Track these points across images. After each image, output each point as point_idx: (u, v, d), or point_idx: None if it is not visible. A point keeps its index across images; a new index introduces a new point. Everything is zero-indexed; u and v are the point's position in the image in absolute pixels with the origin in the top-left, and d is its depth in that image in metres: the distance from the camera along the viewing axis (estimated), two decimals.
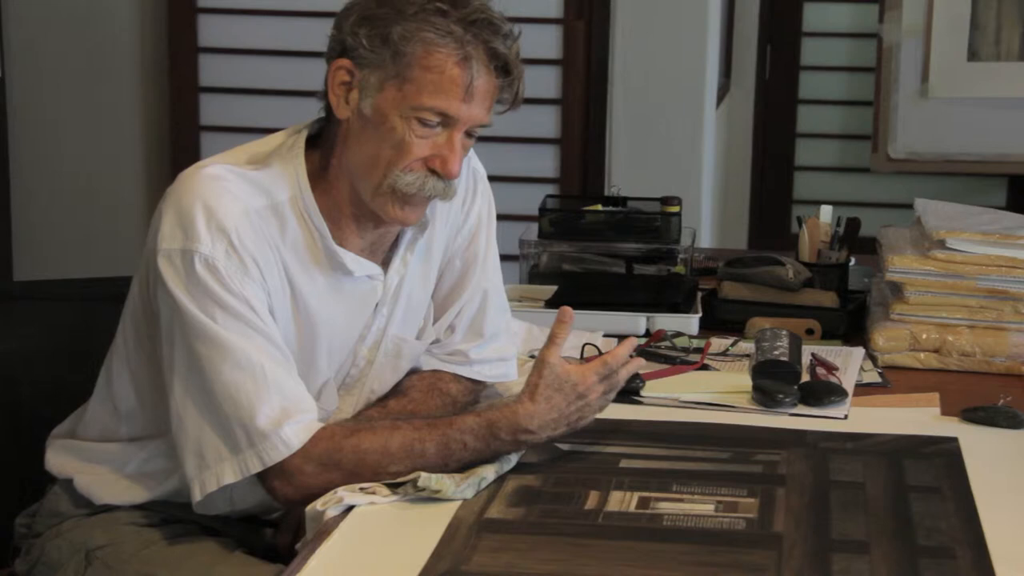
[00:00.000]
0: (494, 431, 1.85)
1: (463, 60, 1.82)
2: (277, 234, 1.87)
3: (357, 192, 1.90)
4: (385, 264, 1.98)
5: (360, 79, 1.85)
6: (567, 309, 1.92)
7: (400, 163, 1.85)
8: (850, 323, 2.63)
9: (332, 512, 1.77)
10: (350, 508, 1.78)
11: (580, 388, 1.88)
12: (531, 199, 3.32)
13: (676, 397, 2.22)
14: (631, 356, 1.95)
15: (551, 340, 1.90)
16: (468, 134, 1.89)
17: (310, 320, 1.91)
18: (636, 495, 1.82)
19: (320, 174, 1.91)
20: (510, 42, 1.86)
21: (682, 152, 4.25)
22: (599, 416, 1.94)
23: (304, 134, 1.93)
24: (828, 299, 2.66)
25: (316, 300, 1.91)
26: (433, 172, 1.86)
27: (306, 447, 1.81)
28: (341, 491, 1.79)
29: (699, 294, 2.73)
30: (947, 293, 2.48)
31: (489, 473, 1.84)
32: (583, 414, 1.90)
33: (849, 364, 2.39)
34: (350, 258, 1.92)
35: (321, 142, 1.93)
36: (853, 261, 2.80)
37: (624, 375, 1.93)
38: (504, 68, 1.86)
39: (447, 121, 1.85)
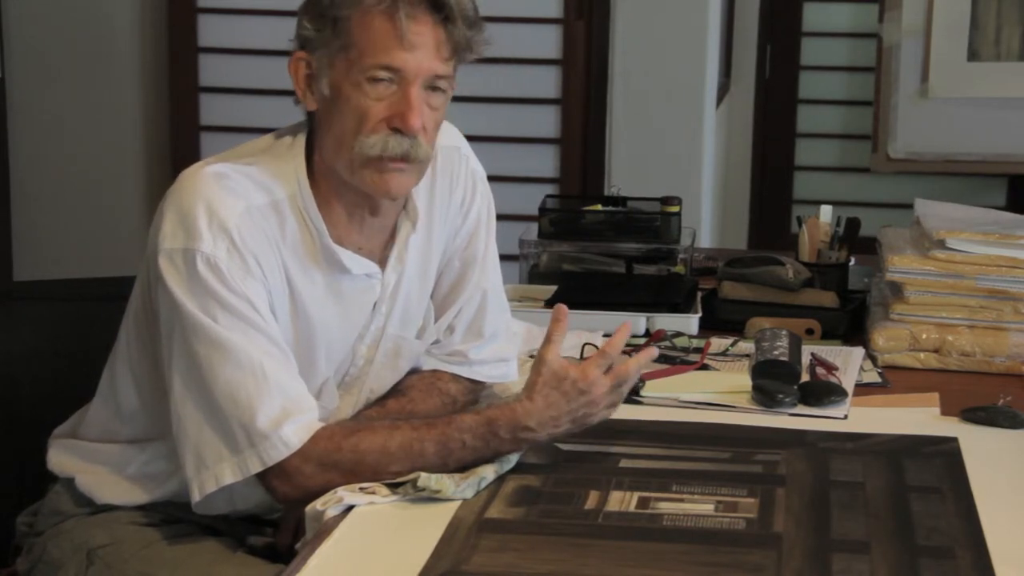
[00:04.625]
0: (493, 429, 1.84)
1: (390, 8, 1.83)
2: (277, 232, 1.87)
3: (341, 180, 1.90)
4: (382, 264, 1.98)
5: (316, 64, 1.87)
6: (562, 307, 1.92)
7: (362, 130, 1.85)
8: (850, 323, 2.63)
9: (332, 512, 1.77)
10: (350, 508, 1.78)
11: (581, 384, 1.86)
12: (531, 199, 3.32)
13: (676, 397, 2.22)
14: (639, 348, 1.93)
15: (548, 339, 1.89)
16: (433, 88, 1.87)
17: (308, 319, 1.91)
18: (636, 495, 1.82)
19: (311, 171, 1.92)
20: None
21: (682, 152, 4.25)
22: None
23: (303, 134, 1.94)
24: (828, 299, 2.66)
25: (314, 299, 1.91)
26: (396, 131, 1.85)
27: (306, 447, 1.81)
28: (341, 491, 1.79)
29: (699, 294, 2.73)
30: (947, 293, 2.48)
31: (489, 473, 1.84)
32: (589, 411, 1.88)
33: (849, 364, 2.39)
34: (347, 256, 1.92)
35: (310, 142, 1.94)
36: (853, 261, 2.80)
37: (635, 368, 1.90)
38: (435, 6, 1.85)
39: (397, 75, 1.84)
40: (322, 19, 1.85)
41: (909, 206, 2.81)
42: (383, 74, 1.84)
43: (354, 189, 1.90)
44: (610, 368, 1.89)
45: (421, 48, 1.84)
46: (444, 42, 1.86)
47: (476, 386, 2.12)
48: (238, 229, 1.82)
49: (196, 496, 1.83)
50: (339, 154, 1.87)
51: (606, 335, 2.53)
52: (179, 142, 4.25)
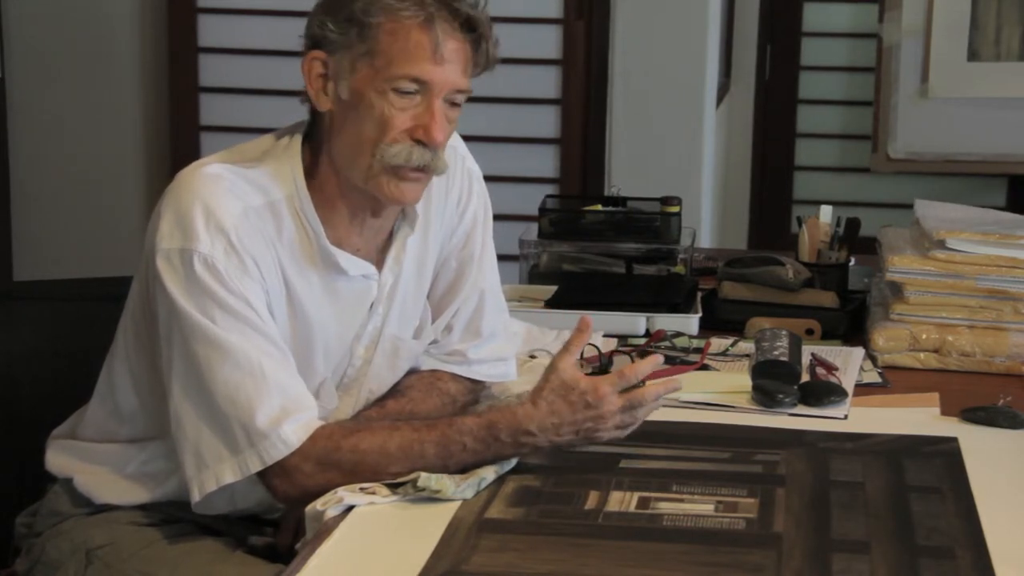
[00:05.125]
0: (494, 432, 1.84)
1: (426, 21, 1.83)
2: (274, 233, 1.87)
3: (350, 183, 1.90)
4: (379, 264, 1.98)
5: (334, 66, 1.86)
6: (587, 319, 1.91)
7: (384, 138, 1.85)
8: (850, 323, 2.63)
9: (332, 512, 1.77)
10: (350, 508, 1.78)
11: (590, 397, 1.84)
12: (531, 199, 3.32)
13: (676, 397, 2.21)
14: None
15: (565, 347, 1.88)
16: (451, 103, 1.88)
17: (305, 320, 1.91)
18: (636, 495, 1.82)
19: (312, 172, 1.92)
20: (476, 8, 1.87)
21: (682, 152, 4.25)
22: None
23: (300, 134, 1.94)
24: (828, 299, 2.66)
25: (311, 300, 1.91)
26: (418, 142, 1.86)
27: (305, 446, 1.81)
28: (341, 491, 1.79)
29: (699, 294, 2.73)
30: (947, 293, 2.48)
31: (489, 474, 1.84)
32: (596, 425, 1.85)
33: (849, 364, 2.39)
34: (344, 257, 1.92)
35: (311, 142, 1.94)
36: (853, 261, 2.80)
37: (652, 395, 1.87)
38: (469, 25, 1.86)
39: (423, 88, 1.85)
40: (348, 22, 1.84)
41: (909, 206, 2.81)
42: (410, 86, 1.84)
43: (358, 190, 1.90)
44: (628, 390, 1.87)
45: (451, 64, 1.85)
46: (471, 60, 1.88)
47: (475, 386, 2.11)
48: (235, 230, 1.82)
49: (196, 496, 1.83)
50: (356, 160, 1.87)
51: (606, 335, 2.53)
52: (179, 142, 4.25)
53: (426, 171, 1.88)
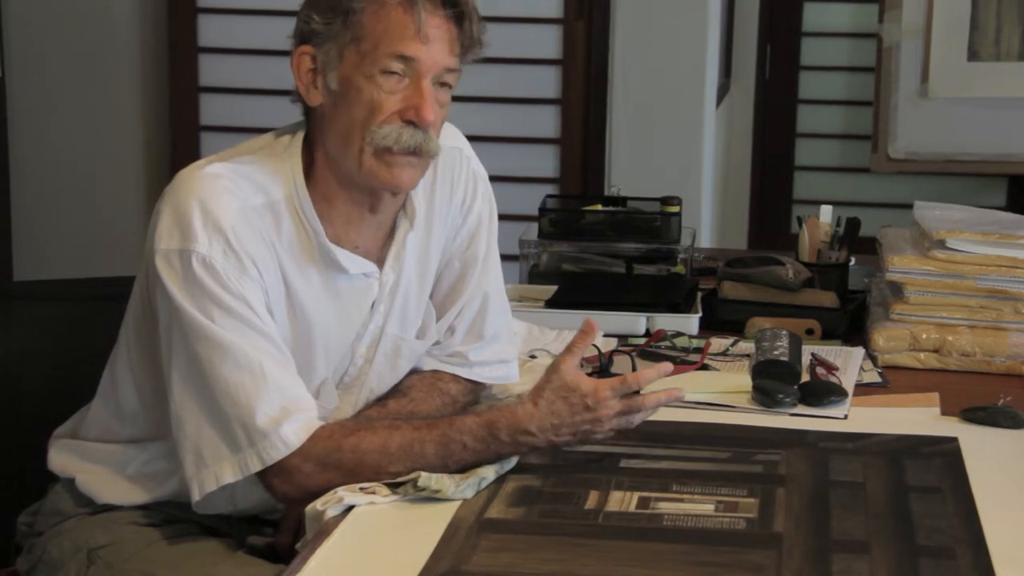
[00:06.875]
0: (493, 431, 1.84)
1: (408, 1, 1.84)
2: (273, 232, 1.87)
3: (346, 178, 1.90)
4: (380, 263, 1.98)
5: (322, 58, 1.87)
6: (591, 322, 1.91)
7: (373, 121, 1.85)
8: (850, 323, 2.63)
9: (332, 512, 1.77)
10: (350, 508, 1.78)
11: (589, 400, 1.85)
12: (531, 199, 3.32)
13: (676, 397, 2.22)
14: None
15: (568, 349, 1.88)
16: (441, 85, 1.88)
17: (306, 319, 1.91)
18: (636, 495, 1.82)
19: (310, 170, 1.92)
20: None
21: (682, 152, 4.25)
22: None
23: (301, 133, 1.94)
24: (828, 299, 2.66)
25: (311, 299, 1.91)
26: (409, 123, 1.86)
27: (305, 446, 1.81)
28: (341, 491, 1.79)
29: (699, 294, 2.73)
30: (947, 293, 2.48)
31: (489, 473, 1.84)
32: (593, 428, 1.86)
33: (849, 364, 2.39)
34: (344, 255, 1.92)
35: (308, 140, 1.94)
36: (853, 261, 2.80)
37: (652, 403, 1.88)
38: (451, 1, 1.86)
39: (411, 68, 1.85)
40: (332, 12, 1.85)
41: (909, 206, 2.80)
42: (397, 65, 1.84)
43: (355, 186, 1.90)
44: (630, 395, 1.88)
45: (436, 42, 1.85)
46: (456, 39, 1.88)
47: (476, 387, 2.12)
48: (233, 229, 1.82)
49: (196, 495, 1.83)
50: (347, 146, 1.87)
51: (606, 335, 2.53)
52: (179, 142, 4.25)
53: (418, 153, 1.87)
